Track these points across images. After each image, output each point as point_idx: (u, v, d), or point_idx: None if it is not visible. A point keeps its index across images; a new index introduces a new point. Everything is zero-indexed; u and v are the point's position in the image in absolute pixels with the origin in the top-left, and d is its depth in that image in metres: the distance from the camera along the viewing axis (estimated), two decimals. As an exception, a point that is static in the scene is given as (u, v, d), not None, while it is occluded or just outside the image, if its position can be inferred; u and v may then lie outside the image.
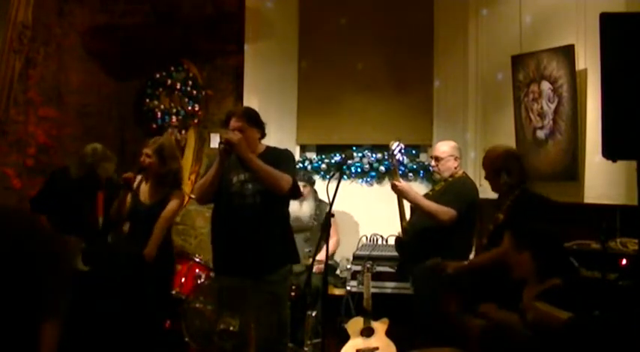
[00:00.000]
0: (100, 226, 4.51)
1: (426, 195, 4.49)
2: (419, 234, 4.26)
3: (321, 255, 3.67)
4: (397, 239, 4.55)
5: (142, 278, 4.16)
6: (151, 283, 4.17)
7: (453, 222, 4.15)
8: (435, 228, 4.17)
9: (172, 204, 4.27)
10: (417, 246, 4.27)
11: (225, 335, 3.58)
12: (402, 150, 4.49)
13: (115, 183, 4.44)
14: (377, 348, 4.45)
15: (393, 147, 4.45)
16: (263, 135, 3.84)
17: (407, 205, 4.47)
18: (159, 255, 4.21)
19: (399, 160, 4.49)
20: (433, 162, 4.50)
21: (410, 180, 5.61)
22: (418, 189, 5.31)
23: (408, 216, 4.53)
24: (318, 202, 5.39)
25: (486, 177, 3.82)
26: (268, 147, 3.87)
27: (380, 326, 4.54)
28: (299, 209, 5.19)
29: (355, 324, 4.58)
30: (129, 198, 4.24)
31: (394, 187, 4.33)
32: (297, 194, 3.86)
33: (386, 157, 5.63)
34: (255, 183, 3.69)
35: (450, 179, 4.39)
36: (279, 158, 3.76)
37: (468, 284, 3.73)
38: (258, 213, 3.67)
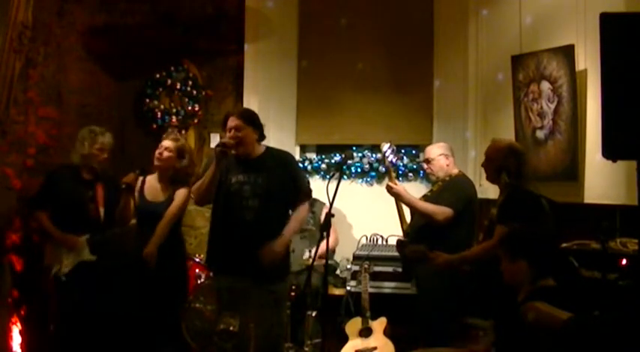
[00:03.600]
0: (101, 218, 4.50)
1: (425, 196, 4.52)
2: (419, 235, 4.27)
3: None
4: (399, 241, 4.56)
5: (150, 279, 4.16)
6: (161, 284, 4.17)
7: (449, 221, 4.18)
8: (435, 228, 4.19)
9: (177, 201, 4.27)
10: (415, 261, 4.28)
11: (225, 335, 3.58)
12: (394, 151, 4.50)
13: (116, 186, 4.41)
14: (375, 348, 4.46)
15: (384, 149, 4.46)
16: (262, 137, 3.83)
17: (406, 207, 4.48)
18: (169, 256, 4.21)
19: (391, 161, 4.50)
20: (425, 165, 4.55)
21: (410, 180, 5.62)
22: (418, 189, 5.32)
23: (408, 218, 4.54)
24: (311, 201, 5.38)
25: (483, 165, 3.83)
26: (268, 148, 3.87)
27: (378, 326, 4.55)
28: None
29: (353, 325, 4.59)
30: (132, 201, 4.23)
31: (389, 189, 4.36)
32: (310, 196, 3.94)
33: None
34: (253, 186, 3.70)
35: (447, 178, 4.43)
36: (286, 165, 3.80)
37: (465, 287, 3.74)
38: (254, 215, 3.67)
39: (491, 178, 3.78)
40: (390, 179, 4.43)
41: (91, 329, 4.39)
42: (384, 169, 5.63)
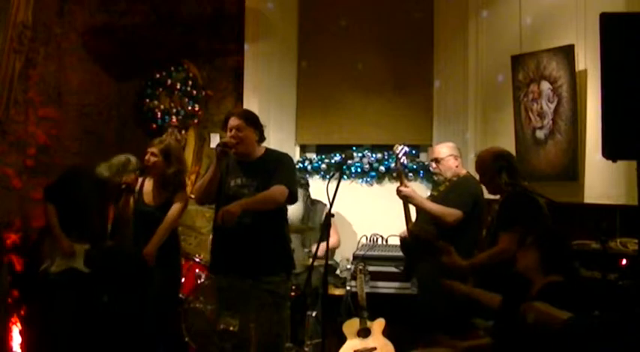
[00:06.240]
0: (107, 232, 4.53)
1: (432, 196, 4.50)
2: (423, 238, 4.26)
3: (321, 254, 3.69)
4: (402, 240, 4.55)
5: (146, 279, 4.16)
6: (155, 283, 4.17)
7: (458, 223, 4.17)
8: (441, 228, 4.18)
9: (176, 207, 4.28)
10: (422, 246, 4.27)
11: (225, 335, 3.58)
12: (407, 154, 4.49)
13: (117, 187, 4.45)
14: (374, 348, 4.46)
15: (398, 151, 4.44)
16: (262, 138, 3.83)
17: (412, 207, 4.46)
18: (165, 256, 4.21)
19: (403, 164, 4.48)
20: (434, 165, 4.51)
21: (410, 180, 5.60)
22: (418, 189, 5.29)
23: (413, 217, 4.53)
24: (310, 204, 5.38)
25: (482, 180, 3.81)
26: (268, 150, 3.87)
27: (376, 327, 4.56)
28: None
29: (351, 325, 4.60)
30: (131, 201, 4.24)
31: (399, 193, 4.34)
32: (292, 200, 3.83)
33: (386, 157, 5.63)
34: (250, 189, 3.70)
35: (455, 179, 4.41)
36: (278, 164, 3.76)
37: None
38: (251, 218, 3.65)
39: (492, 188, 3.75)
40: (401, 182, 4.41)
41: (85, 328, 4.41)
42: (383, 170, 5.64)
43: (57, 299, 4.36)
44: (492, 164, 3.68)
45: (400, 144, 4.46)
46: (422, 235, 4.17)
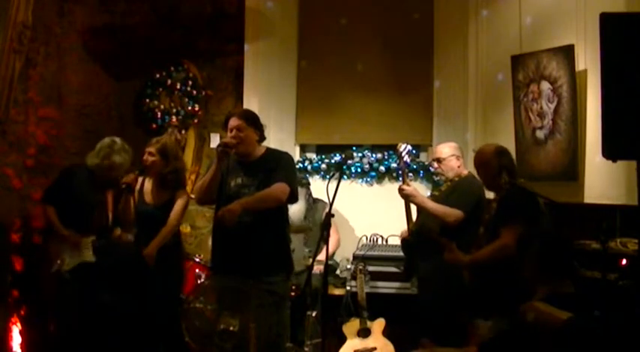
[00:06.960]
0: (110, 224, 4.55)
1: (433, 196, 4.50)
2: (425, 234, 4.26)
3: (322, 255, 3.69)
4: (403, 240, 4.55)
5: (147, 279, 4.17)
6: (157, 284, 4.18)
7: (459, 223, 4.17)
8: (442, 228, 4.18)
9: (178, 206, 4.28)
10: (423, 246, 4.28)
11: (225, 335, 3.58)
12: (410, 152, 4.48)
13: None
14: (374, 348, 4.46)
15: (401, 150, 4.43)
16: (262, 138, 3.83)
17: (413, 206, 4.46)
18: (167, 256, 4.22)
19: (406, 163, 4.47)
20: (435, 164, 4.50)
21: (410, 180, 5.60)
22: (418, 189, 5.30)
23: (414, 217, 4.53)
24: (312, 202, 5.38)
25: (482, 177, 3.81)
26: (268, 149, 3.87)
27: (376, 327, 4.56)
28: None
29: (352, 326, 4.60)
30: (132, 201, 4.24)
31: (401, 191, 4.34)
32: (293, 200, 3.83)
33: (386, 157, 5.64)
34: (250, 189, 3.70)
35: (457, 179, 4.39)
36: (278, 163, 3.76)
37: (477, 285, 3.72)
38: (252, 218, 3.65)
39: (492, 186, 3.76)
40: (403, 180, 4.40)
41: (89, 327, 4.43)
42: (383, 170, 5.64)
43: (73, 297, 4.40)
44: (494, 161, 3.68)
45: (403, 143, 4.45)
46: (424, 232, 4.17)
